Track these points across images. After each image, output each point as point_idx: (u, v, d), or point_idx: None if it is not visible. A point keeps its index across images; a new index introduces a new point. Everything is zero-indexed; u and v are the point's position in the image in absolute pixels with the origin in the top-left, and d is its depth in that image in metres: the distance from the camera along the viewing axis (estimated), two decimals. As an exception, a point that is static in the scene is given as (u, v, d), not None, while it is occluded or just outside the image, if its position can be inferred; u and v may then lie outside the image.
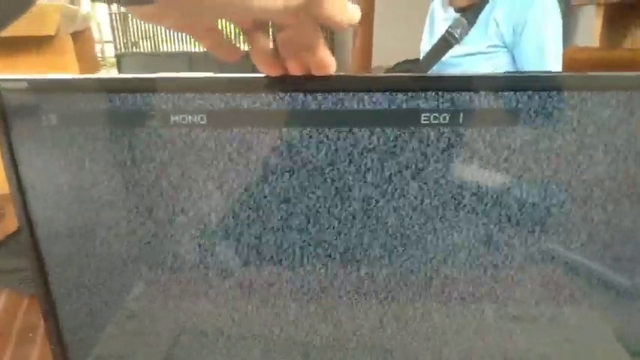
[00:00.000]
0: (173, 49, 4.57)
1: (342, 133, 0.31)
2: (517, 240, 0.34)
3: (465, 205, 0.33)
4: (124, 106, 0.30)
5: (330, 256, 0.34)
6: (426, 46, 1.27)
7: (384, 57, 2.30)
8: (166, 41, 4.65)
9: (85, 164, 0.32)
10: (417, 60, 1.31)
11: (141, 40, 4.76)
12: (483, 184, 0.33)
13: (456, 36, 1.11)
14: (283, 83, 0.30)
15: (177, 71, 0.33)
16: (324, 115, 0.31)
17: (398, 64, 1.85)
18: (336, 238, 0.34)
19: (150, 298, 0.36)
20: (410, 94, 0.30)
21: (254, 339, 0.38)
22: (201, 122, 0.31)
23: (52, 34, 0.89)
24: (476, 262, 0.35)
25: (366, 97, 0.30)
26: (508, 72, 0.32)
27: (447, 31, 1.13)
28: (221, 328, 0.37)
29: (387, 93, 0.30)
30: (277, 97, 0.30)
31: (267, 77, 0.30)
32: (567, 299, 0.37)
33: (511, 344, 0.38)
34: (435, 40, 1.18)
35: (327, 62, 0.28)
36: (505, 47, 1.11)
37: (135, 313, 0.37)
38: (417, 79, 0.30)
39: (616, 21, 1.91)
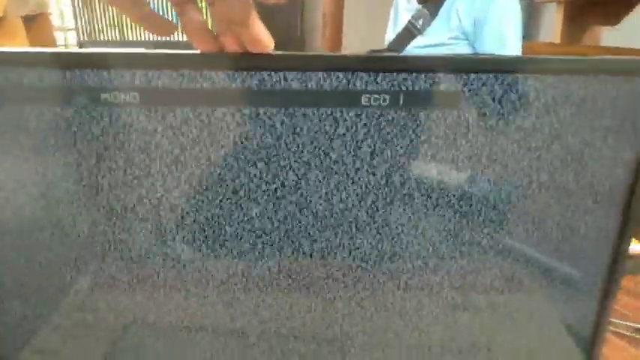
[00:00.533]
0: (140, 38, 4.44)
1: (281, 113, 0.31)
2: (457, 227, 0.35)
3: (408, 191, 0.33)
4: (49, 82, 0.29)
5: (270, 242, 0.34)
6: (390, 36, 1.28)
7: (354, 47, 2.30)
8: (133, 29, 4.51)
9: (8, 147, 0.31)
10: (383, 50, 1.32)
11: (107, 28, 4.60)
12: (426, 169, 0.33)
13: (418, 27, 1.12)
14: (219, 60, 0.29)
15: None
16: (263, 95, 0.30)
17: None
18: (275, 224, 0.34)
19: (92, 288, 0.35)
20: (350, 74, 0.30)
21: (202, 330, 0.37)
22: (134, 101, 0.30)
23: (-1, 15, 0.85)
24: (418, 249, 0.35)
25: (305, 76, 0.30)
26: (448, 54, 0.33)
27: (409, 21, 1.14)
28: (168, 319, 0.37)
29: (329, 72, 0.30)
30: (214, 75, 0.29)
31: (203, 54, 0.29)
32: (516, 289, 0.37)
33: (460, 333, 0.38)
34: (398, 30, 1.19)
35: (262, 38, 0.27)
36: (466, 39, 1.13)
37: (77, 305, 0.36)
38: (358, 60, 0.30)
39: (576, 18, 1.97)
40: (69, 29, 4.68)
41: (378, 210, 0.34)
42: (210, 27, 0.29)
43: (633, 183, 0.34)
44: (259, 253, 0.35)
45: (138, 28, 4.50)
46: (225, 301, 0.36)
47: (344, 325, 0.38)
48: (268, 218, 0.33)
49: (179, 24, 0.29)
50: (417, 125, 0.32)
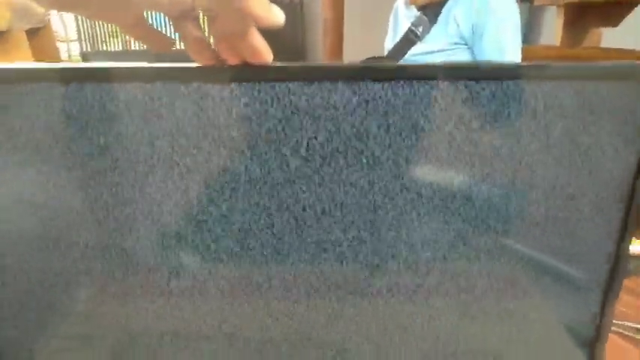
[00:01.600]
0: (143, 47, 4.47)
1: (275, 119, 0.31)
2: (459, 229, 0.35)
3: (408, 194, 0.34)
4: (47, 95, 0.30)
5: (267, 244, 0.34)
6: (389, 43, 1.29)
7: (355, 55, 2.31)
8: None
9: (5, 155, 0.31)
10: (382, 57, 1.32)
11: (110, 38, 4.65)
12: (427, 173, 0.34)
13: (418, 34, 1.13)
14: (218, 72, 0.30)
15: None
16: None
17: (363, 62, 1.87)
18: (273, 225, 0.34)
19: (92, 298, 0.36)
20: (349, 83, 0.31)
21: (201, 336, 0.38)
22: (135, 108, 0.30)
23: (3, 29, 0.87)
24: (419, 252, 0.35)
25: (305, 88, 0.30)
26: (444, 62, 0.33)
27: (409, 28, 1.14)
28: (168, 327, 0.37)
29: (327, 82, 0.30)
30: (213, 89, 0.30)
31: (201, 67, 0.30)
32: (518, 290, 0.37)
33: (462, 336, 0.38)
34: (398, 37, 1.19)
35: (259, 49, 0.28)
36: (465, 44, 1.14)
37: (78, 315, 0.36)
38: (356, 70, 0.30)
39: (576, 20, 1.97)
40: (72, 40, 4.73)
41: (375, 211, 0.34)
42: (208, 40, 0.29)
43: (633, 184, 0.34)
44: (257, 256, 0.35)
45: (140, 38, 4.54)
46: (225, 306, 0.37)
47: (343, 330, 0.38)
48: (267, 219, 0.34)
49: (178, 38, 0.30)
50: (417, 131, 0.32)
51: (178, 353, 0.38)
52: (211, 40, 0.29)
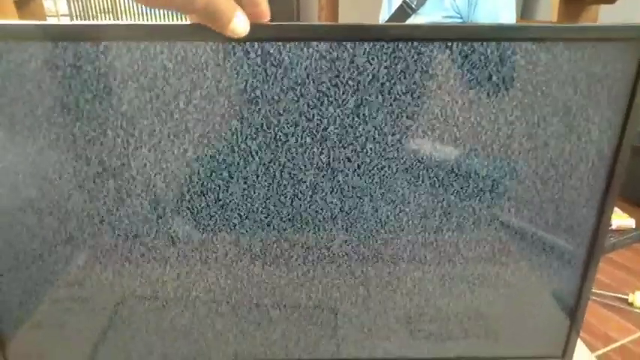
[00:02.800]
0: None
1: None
2: (448, 198, 0.36)
3: (396, 162, 0.34)
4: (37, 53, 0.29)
5: (262, 211, 0.35)
6: (384, 15, 1.27)
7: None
8: (126, 14, 4.47)
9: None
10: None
11: (100, 13, 4.56)
12: (415, 143, 0.34)
13: (413, 6, 1.12)
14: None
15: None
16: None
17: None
18: (268, 192, 0.34)
19: (89, 264, 0.36)
20: (344, 44, 0.30)
21: (198, 302, 0.38)
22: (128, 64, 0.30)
23: (-10, -2, 0.85)
24: (409, 220, 0.36)
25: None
26: (439, 23, 0.33)
27: (403, 1, 1.13)
28: (165, 292, 0.38)
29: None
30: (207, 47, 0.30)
31: (195, 25, 0.29)
32: (504, 259, 0.38)
33: (453, 303, 0.40)
34: (392, 10, 1.18)
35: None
36: (460, 17, 1.13)
37: (73, 280, 0.37)
38: (351, 29, 0.30)
39: (573, -4, 1.95)
40: (62, 15, 4.63)
41: (366, 176, 0.34)
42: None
43: (616, 150, 0.35)
44: (253, 223, 0.36)
45: (131, 14, 4.46)
46: (220, 273, 0.37)
47: (335, 295, 0.39)
48: (260, 183, 0.34)
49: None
50: (407, 94, 0.32)
51: (174, 318, 0.39)
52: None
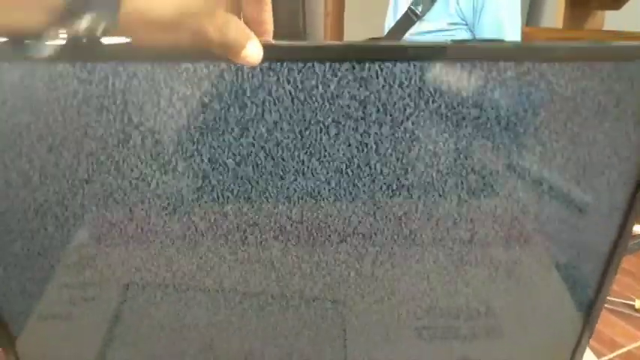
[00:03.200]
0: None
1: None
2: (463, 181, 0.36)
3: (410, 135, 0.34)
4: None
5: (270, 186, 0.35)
6: (390, 22, 1.29)
7: (357, 35, 2.31)
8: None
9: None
10: (382, 38, 1.32)
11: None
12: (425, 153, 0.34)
13: (418, 13, 1.13)
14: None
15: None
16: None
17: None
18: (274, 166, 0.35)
19: (94, 249, 0.37)
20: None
21: (205, 288, 0.39)
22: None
23: None
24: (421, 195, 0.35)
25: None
26: (442, 42, 0.33)
27: (409, 7, 1.14)
28: (171, 278, 0.38)
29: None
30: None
31: None
32: (522, 266, 0.39)
33: (464, 305, 0.40)
34: (398, 17, 1.19)
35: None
36: (465, 24, 1.14)
37: (80, 264, 0.38)
38: (356, 49, 0.31)
39: (578, 3, 1.96)
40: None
41: (373, 164, 0.35)
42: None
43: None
44: (254, 206, 0.36)
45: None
46: (219, 258, 0.37)
47: (338, 283, 0.39)
48: (264, 161, 0.35)
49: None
50: (416, 111, 0.32)
51: (175, 303, 0.39)
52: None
